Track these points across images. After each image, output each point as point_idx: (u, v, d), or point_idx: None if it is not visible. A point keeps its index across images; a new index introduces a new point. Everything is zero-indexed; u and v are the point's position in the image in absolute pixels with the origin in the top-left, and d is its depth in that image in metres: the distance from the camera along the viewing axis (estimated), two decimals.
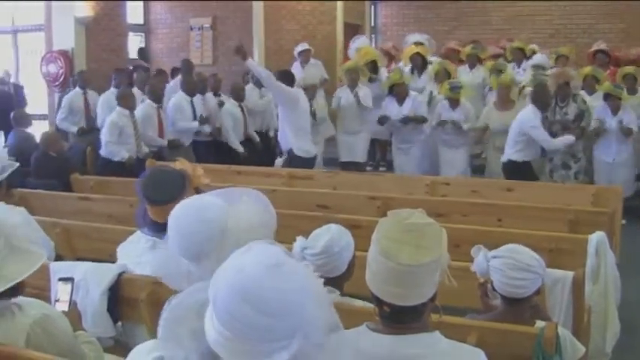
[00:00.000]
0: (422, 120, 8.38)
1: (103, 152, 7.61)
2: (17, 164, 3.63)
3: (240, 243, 1.61)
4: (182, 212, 2.17)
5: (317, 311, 1.47)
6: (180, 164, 3.54)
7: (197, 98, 8.61)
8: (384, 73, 9.55)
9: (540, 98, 7.17)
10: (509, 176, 7.04)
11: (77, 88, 9.35)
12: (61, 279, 2.91)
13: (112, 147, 7.48)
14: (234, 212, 2.09)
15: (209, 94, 9.13)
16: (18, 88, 10.78)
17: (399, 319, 1.88)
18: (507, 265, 2.62)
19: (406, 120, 8.34)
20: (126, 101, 7.61)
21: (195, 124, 8.40)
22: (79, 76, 9.58)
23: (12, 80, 11.49)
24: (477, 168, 9.03)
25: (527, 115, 7.10)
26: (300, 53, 10.71)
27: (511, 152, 7.24)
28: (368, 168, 9.80)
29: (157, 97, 8.11)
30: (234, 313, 1.40)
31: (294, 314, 1.42)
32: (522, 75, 9.40)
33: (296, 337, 1.45)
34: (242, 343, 1.42)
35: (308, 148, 7.67)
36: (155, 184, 3.02)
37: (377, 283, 1.87)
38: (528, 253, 2.67)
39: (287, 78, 7.55)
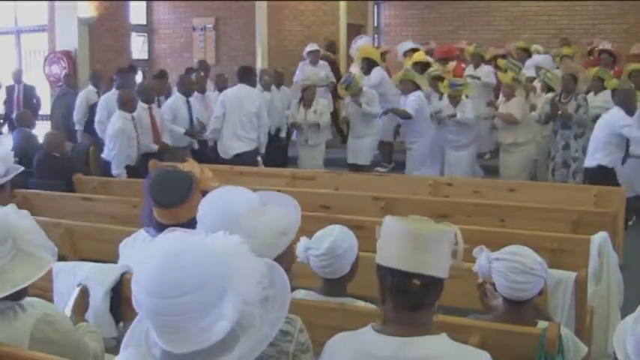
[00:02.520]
0: (405, 115, 8.29)
1: (105, 156, 7.30)
2: (21, 168, 3.62)
3: (268, 241, 1.76)
4: (215, 205, 2.19)
5: (237, 265, 1.49)
6: (189, 165, 3.51)
7: (196, 98, 8.52)
8: (379, 72, 9.35)
9: (626, 102, 6.94)
10: (596, 181, 6.49)
11: (90, 87, 9.51)
12: (80, 285, 2.91)
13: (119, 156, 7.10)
14: (265, 212, 2.15)
15: (210, 93, 9.07)
16: (29, 90, 10.71)
17: (409, 302, 1.86)
18: (511, 268, 2.59)
19: (387, 111, 8.52)
20: (129, 104, 7.25)
21: (182, 131, 8.12)
22: (92, 76, 9.83)
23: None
24: (489, 169, 9.00)
25: (616, 116, 6.83)
26: (309, 54, 10.66)
27: (601, 156, 6.86)
28: (380, 169, 9.77)
29: (148, 98, 7.71)
30: (153, 310, 1.45)
31: (208, 282, 1.44)
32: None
33: (225, 302, 1.46)
34: (176, 333, 1.45)
35: (223, 149, 7.96)
36: (163, 186, 2.97)
37: (389, 249, 1.89)
38: (531, 256, 2.64)
39: (246, 75, 8.06)
